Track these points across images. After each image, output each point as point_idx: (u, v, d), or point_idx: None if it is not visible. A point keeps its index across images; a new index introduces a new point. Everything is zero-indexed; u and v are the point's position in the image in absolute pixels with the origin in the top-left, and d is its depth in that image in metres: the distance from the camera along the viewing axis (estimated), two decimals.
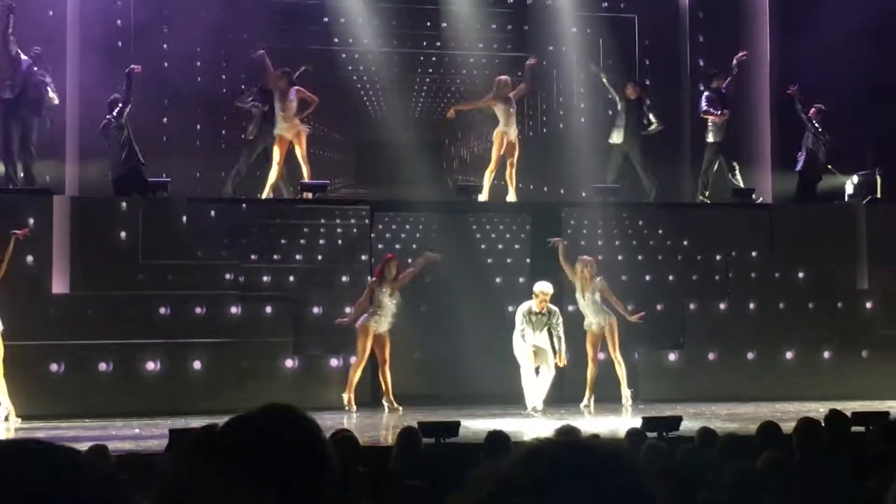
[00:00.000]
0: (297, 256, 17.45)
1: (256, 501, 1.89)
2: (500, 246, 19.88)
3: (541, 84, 17.21)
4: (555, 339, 14.07)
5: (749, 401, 14.95)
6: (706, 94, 17.66)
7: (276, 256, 17.25)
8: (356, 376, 14.37)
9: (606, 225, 17.72)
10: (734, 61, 17.55)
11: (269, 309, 15.58)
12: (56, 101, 15.33)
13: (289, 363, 15.13)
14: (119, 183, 15.64)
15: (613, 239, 17.40)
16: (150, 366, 14.68)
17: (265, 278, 16.65)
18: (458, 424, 10.38)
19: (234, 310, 15.39)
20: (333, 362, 15.23)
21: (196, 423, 11.01)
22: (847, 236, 17.10)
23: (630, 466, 1.43)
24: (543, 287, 14.17)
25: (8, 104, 15.15)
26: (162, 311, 15.08)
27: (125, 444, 11.03)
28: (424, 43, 21.75)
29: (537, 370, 14.17)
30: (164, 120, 18.38)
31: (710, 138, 17.56)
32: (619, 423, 12.58)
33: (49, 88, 15.21)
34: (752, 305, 16.71)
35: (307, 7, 19.76)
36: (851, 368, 15.90)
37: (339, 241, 17.79)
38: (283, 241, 17.46)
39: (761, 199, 17.72)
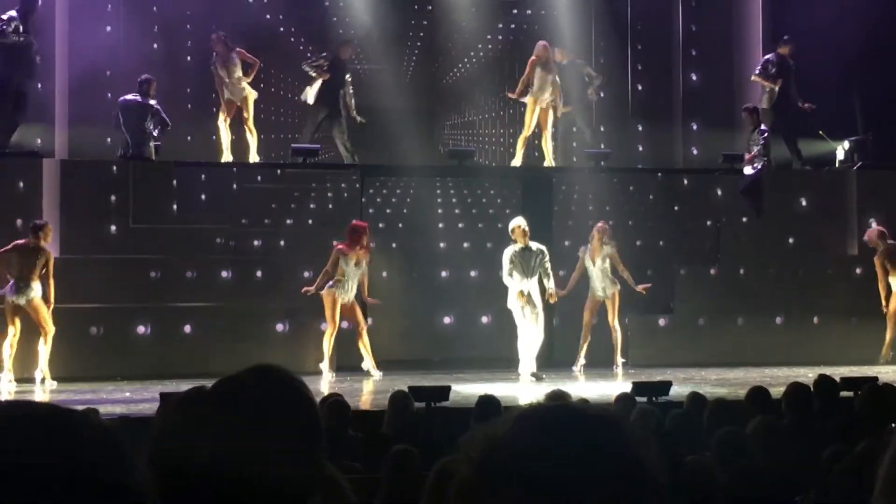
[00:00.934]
0: (288, 221, 17.41)
1: (247, 453, 1.90)
2: (490, 211, 19.88)
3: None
4: (544, 279, 14.00)
5: (738, 366, 15.00)
6: (767, 57, 17.44)
7: (266, 221, 17.21)
8: (329, 344, 14.27)
9: (598, 191, 17.71)
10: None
11: (259, 273, 15.57)
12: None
13: (279, 327, 15.13)
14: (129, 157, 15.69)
15: (604, 205, 17.39)
16: (141, 329, 14.68)
17: (255, 242, 16.61)
18: (448, 389, 10.40)
19: (224, 274, 15.38)
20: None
21: (186, 386, 11.02)
22: (837, 202, 17.12)
23: (619, 429, 1.43)
24: (516, 222, 14.13)
25: None
26: (152, 274, 15.07)
27: (116, 407, 11.05)
28: (416, 6, 21.66)
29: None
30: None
31: (764, 104, 17.36)
32: (610, 388, 12.62)
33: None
34: (742, 271, 16.74)
35: None
36: (840, 334, 15.94)
37: (330, 206, 17.75)
38: (273, 206, 17.41)
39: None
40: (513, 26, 21.81)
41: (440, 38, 21.50)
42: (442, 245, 18.39)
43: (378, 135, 18.81)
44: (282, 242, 16.76)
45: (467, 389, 11.82)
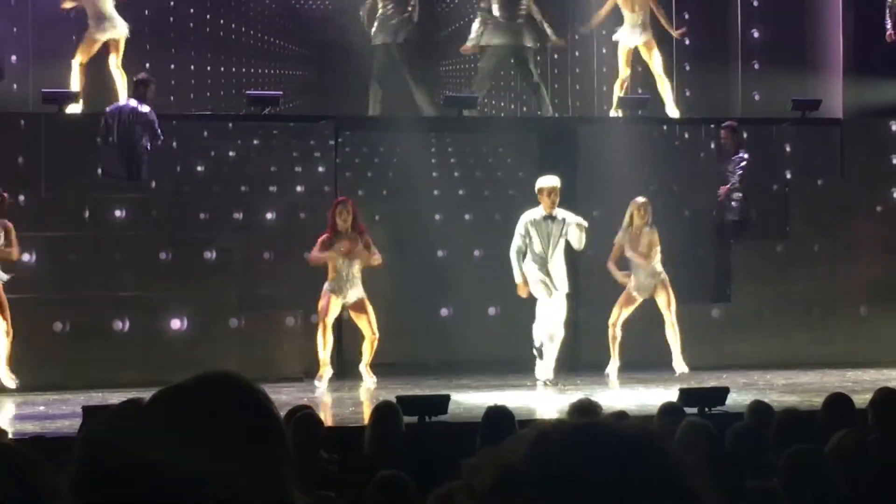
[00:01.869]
0: (243, 188, 17.29)
1: (194, 481, 1.91)
2: (499, 174, 19.79)
3: None
4: (573, 242, 13.90)
5: (813, 368, 15.04)
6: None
7: (214, 188, 17.15)
8: (323, 341, 14.28)
9: (634, 147, 17.66)
10: None
11: (208, 254, 15.50)
12: None
13: (234, 322, 15.12)
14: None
15: (642, 164, 17.31)
16: (59, 326, 14.64)
17: (201, 216, 16.52)
18: (447, 399, 10.42)
19: (163, 256, 15.34)
20: (290, 320, 15.25)
21: (115, 399, 11.05)
22: None
23: (662, 453, 1.45)
24: (547, 181, 14.05)
25: None
26: (72, 257, 15.04)
27: (27, 424, 11.12)
28: None
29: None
30: None
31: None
32: (651, 395, 12.66)
33: None
34: (816, 248, 16.74)
35: None
36: None
37: (297, 169, 17.60)
38: (223, 169, 17.31)
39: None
40: None
41: None
42: (437, 217, 18.29)
43: (354, 75, 18.65)
44: (235, 216, 16.67)
45: (471, 399, 11.85)
